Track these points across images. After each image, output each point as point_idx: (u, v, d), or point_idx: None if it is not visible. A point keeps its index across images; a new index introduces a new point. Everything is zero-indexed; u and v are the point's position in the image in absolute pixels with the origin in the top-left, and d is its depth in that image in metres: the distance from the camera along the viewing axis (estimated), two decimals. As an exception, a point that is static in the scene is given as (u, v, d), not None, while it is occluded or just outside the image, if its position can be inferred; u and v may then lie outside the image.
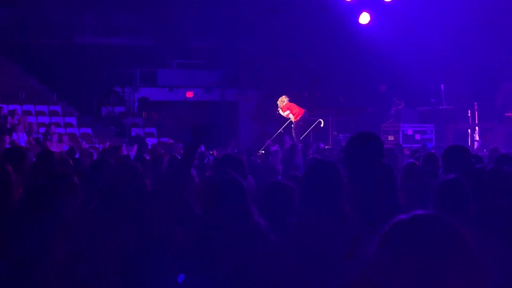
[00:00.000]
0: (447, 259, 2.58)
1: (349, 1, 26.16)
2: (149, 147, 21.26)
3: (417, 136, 24.23)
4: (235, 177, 5.01)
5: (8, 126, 25.59)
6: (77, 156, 16.54)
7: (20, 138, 24.29)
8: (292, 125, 24.32)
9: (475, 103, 24.46)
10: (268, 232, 4.82)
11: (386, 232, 2.69)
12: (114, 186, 6.08)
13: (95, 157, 15.81)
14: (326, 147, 22.07)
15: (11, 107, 29.12)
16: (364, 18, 26.52)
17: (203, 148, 18.55)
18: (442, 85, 24.93)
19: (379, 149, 5.69)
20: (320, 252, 4.69)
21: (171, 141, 24.57)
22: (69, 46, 32.89)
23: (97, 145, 25.36)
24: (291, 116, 24.20)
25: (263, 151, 20.64)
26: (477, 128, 24.07)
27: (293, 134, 23.85)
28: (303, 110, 24.41)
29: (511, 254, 5.09)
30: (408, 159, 12.43)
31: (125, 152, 16.48)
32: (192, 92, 35.11)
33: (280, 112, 24.40)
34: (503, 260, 4.80)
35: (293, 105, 24.31)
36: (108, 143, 24.22)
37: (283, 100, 24.28)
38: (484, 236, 5.02)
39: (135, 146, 19.44)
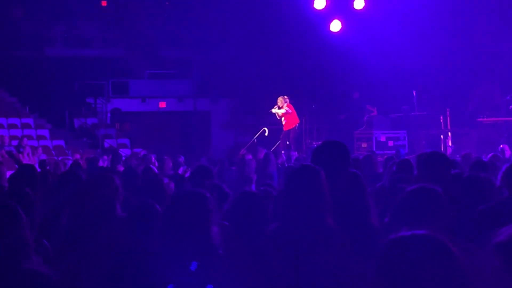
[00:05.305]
0: (438, 277, 2.63)
1: (320, 9, 26.22)
2: (123, 158, 21.19)
3: (390, 143, 24.31)
4: (199, 191, 5.06)
5: (-20, 140, 25.41)
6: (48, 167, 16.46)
7: (-8, 151, 24.12)
8: (282, 136, 24.36)
9: (447, 109, 24.59)
10: (218, 247, 4.86)
11: (382, 251, 2.74)
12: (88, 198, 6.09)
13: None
14: (299, 155, 22.10)
15: (-18, 121, 28.99)
16: (336, 26, 26.61)
17: (182, 158, 18.53)
18: (414, 92, 25.04)
19: (345, 157, 5.70)
20: (300, 258, 4.68)
21: (144, 151, 24.47)
22: (40, 58, 32.74)
23: (70, 157, 25.23)
24: (288, 110, 24.01)
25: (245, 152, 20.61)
26: (449, 133, 24.20)
27: (287, 142, 23.99)
28: (298, 120, 24.51)
29: (487, 258, 5.12)
30: (382, 166, 12.51)
31: (101, 164, 16.45)
32: (164, 103, 35.06)
33: (277, 110, 24.18)
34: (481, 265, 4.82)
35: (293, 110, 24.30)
36: (78, 155, 24.07)
37: (286, 100, 24.20)
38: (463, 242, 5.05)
39: (109, 157, 19.37)
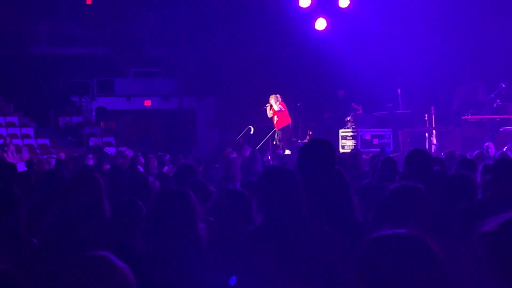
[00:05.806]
0: (418, 276, 2.65)
1: (305, 8, 26.23)
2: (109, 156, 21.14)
3: (375, 141, 24.35)
4: (182, 190, 5.09)
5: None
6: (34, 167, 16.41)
7: (-23, 150, 24.02)
8: (277, 136, 24.33)
9: (432, 107, 24.66)
10: (207, 245, 4.89)
11: (363, 250, 2.76)
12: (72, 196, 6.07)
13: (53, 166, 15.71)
14: (285, 153, 22.12)
15: (-34, 119, 28.87)
16: (321, 24, 26.61)
17: (168, 157, 18.52)
18: (399, 90, 25.10)
19: (331, 155, 5.73)
20: (281, 258, 4.70)
21: (129, 150, 24.42)
22: (25, 57, 32.61)
23: (55, 156, 25.16)
24: (281, 108, 23.91)
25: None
26: (434, 131, 24.26)
27: (280, 143, 23.95)
28: (290, 120, 24.49)
29: (467, 255, 5.14)
30: (367, 164, 12.54)
31: (87, 162, 16.41)
32: (150, 101, 35.02)
33: (273, 105, 23.96)
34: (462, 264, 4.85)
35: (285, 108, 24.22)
36: (63, 154, 23.98)
37: (278, 99, 24.06)
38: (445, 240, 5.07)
39: (94, 156, 19.34)
